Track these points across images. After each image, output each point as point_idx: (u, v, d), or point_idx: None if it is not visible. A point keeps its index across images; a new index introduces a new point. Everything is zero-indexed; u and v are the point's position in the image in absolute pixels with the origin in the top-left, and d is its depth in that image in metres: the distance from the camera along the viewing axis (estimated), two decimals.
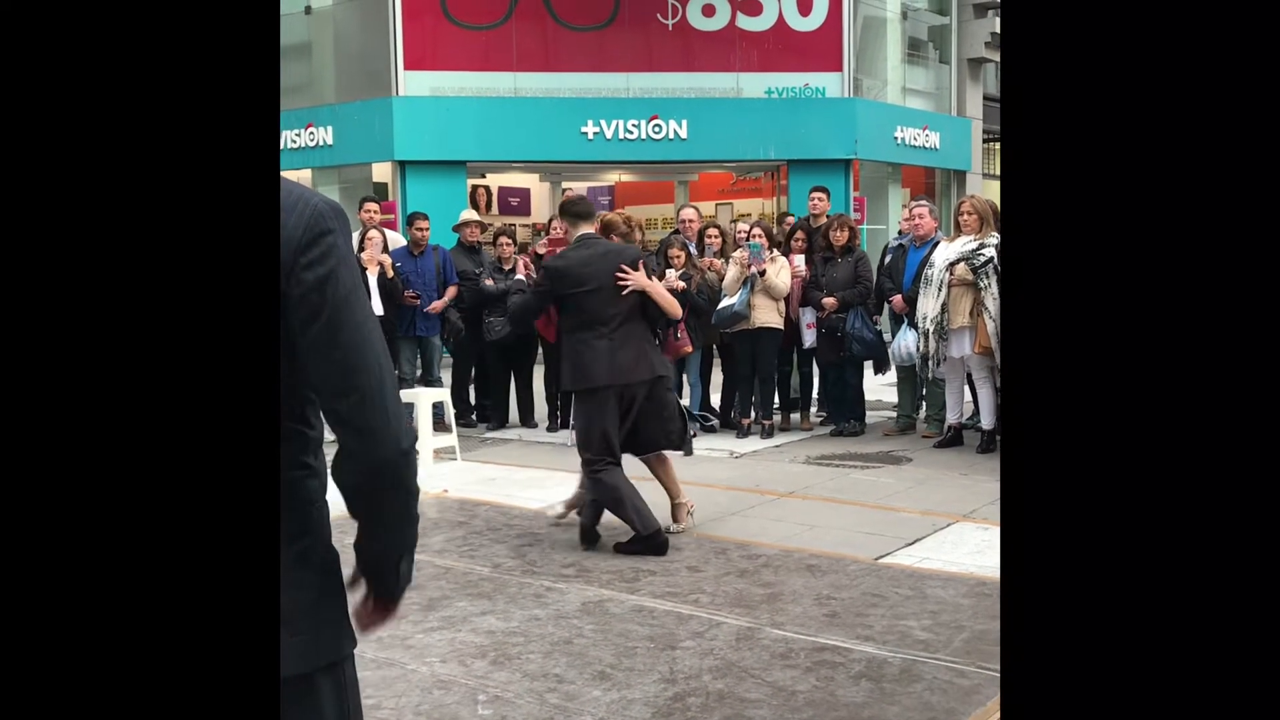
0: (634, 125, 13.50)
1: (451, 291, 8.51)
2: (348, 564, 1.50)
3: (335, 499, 1.49)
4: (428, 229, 8.48)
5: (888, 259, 8.17)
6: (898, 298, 7.81)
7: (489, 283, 8.43)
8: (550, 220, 9.03)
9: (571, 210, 5.29)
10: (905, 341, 7.68)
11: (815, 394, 8.78)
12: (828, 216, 8.50)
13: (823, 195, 8.70)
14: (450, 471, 7.23)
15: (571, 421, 5.33)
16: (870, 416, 8.43)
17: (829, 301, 7.84)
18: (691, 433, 5.57)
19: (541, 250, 8.25)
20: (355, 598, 1.53)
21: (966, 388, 7.54)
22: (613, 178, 15.54)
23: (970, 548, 4.99)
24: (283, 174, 1.34)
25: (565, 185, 14.38)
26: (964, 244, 7.17)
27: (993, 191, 15.76)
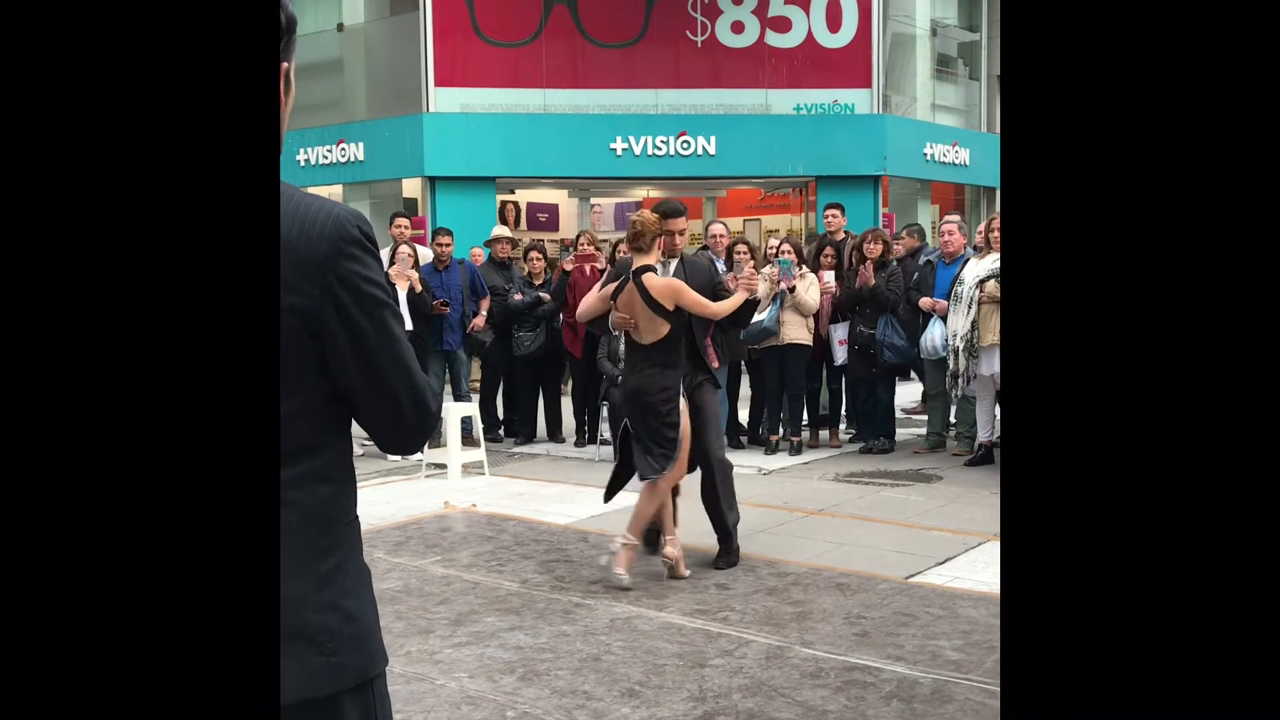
0: (662, 141, 13.51)
1: (485, 304, 8.55)
2: (378, 578, 1.50)
3: (365, 515, 1.49)
4: (450, 244, 8.51)
5: (914, 276, 8.12)
6: (931, 300, 7.71)
7: (518, 298, 8.46)
8: (579, 235, 9.06)
9: None
10: (933, 335, 7.59)
11: (844, 411, 8.73)
12: (844, 231, 8.49)
13: (836, 212, 8.64)
14: (478, 486, 7.24)
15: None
16: (900, 434, 8.37)
17: (868, 267, 7.75)
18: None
19: (569, 266, 8.28)
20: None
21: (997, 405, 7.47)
22: (641, 193, 15.53)
23: None
24: (312, 189, 1.34)
25: (594, 201, 14.41)
26: (994, 261, 7.12)
27: None
